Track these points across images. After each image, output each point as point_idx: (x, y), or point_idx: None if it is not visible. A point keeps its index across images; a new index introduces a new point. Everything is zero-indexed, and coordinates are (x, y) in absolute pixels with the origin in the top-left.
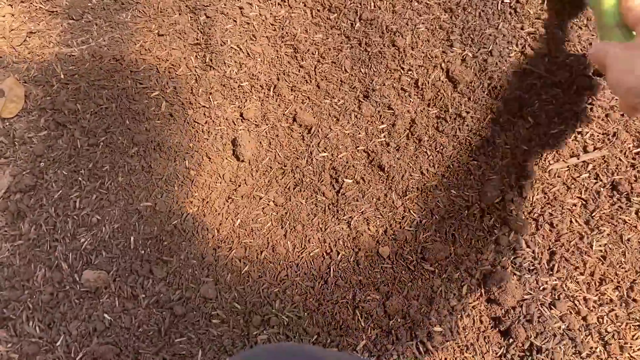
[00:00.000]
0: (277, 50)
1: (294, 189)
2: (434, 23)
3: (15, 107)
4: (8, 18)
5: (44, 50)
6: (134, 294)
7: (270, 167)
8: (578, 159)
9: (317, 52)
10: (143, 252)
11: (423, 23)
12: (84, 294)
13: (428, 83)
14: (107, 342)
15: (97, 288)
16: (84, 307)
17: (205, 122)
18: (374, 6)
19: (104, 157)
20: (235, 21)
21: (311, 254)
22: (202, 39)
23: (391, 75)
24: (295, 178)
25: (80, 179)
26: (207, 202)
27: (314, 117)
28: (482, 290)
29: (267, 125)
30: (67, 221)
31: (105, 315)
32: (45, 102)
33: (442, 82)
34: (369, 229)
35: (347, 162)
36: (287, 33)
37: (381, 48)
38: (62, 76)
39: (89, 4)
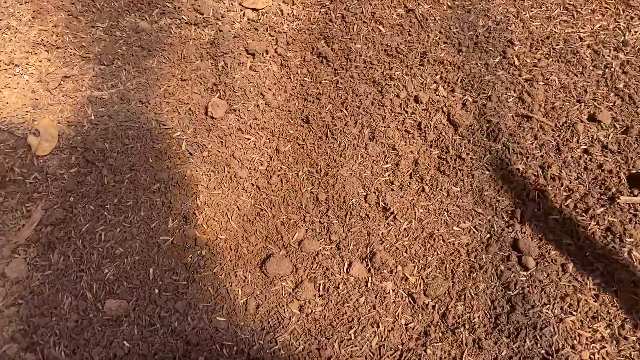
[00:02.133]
0: (286, 100)
1: (305, 234)
2: (438, 70)
3: (49, 145)
4: (45, 63)
5: (77, 93)
6: (151, 322)
7: (277, 199)
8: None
9: (323, 96)
10: (161, 283)
11: (427, 71)
12: (106, 322)
13: (430, 125)
14: None
15: (118, 316)
16: (106, 334)
17: (219, 164)
18: (376, 59)
19: (129, 192)
20: (252, 69)
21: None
22: (221, 84)
23: (395, 118)
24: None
25: (106, 213)
26: (218, 241)
27: (320, 157)
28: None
29: (272, 171)
30: (93, 253)
31: (125, 343)
32: (77, 141)
33: (444, 124)
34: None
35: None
36: (297, 84)
37: (388, 92)
38: (92, 117)
39: (119, 51)
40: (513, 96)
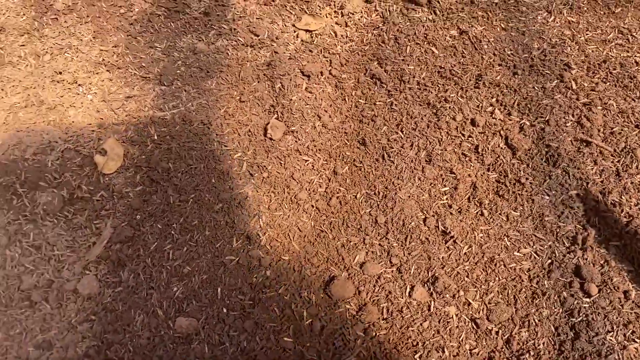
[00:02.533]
0: (342, 122)
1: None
2: (494, 93)
3: (114, 164)
4: (107, 83)
5: (139, 113)
6: (221, 341)
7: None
8: None
9: (380, 120)
10: (228, 302)
11: (483, 93)
12: (177, 340)
13: (488, 149)
14: None
15: (188, 334)
16: (178, 351)
17: (279, 185)
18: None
19: (193, 212)
20: (307, 91)
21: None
22: (278, 106)
23: (452, 141)
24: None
25: (172, 232)
26: (282, 262)
27: (378, 180)
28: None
29: (328, 195)
30: (162, 271)
31: None
32: (141, 161)
33: (502, 148)
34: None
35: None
36: (352, 106)
37: (444, 115)
38: (155, 137)
39: (178, 72)
40: (571, 120)
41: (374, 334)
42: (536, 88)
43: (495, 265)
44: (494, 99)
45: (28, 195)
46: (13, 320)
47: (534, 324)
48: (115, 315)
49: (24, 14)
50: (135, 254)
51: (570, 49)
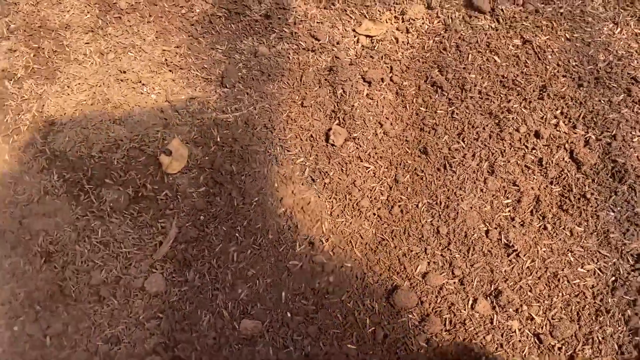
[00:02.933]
0: (403, 130)
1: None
2: (559, 105)
3: (178, 165)
4: (170, 83)
5: (202, 115)
6: (285, 344)
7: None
8: None
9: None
10: (292, 306)
11: (547, 105)
12: (242, 341)
13: (552, 162)
14: None
15: (253, 336)
16: (243, 353)
17: (340, 192)
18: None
19: (257, 215)
20: (369, 97)
21: None
22: (340, 112)
23: (515, 153)
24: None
25: (237, 234)
26: (344, 268)
27: (439, 189)
28: None
29: (390, 200)
30: (227, 273)
31: None
32: (204, 162)
33: (566, 162)
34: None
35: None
36: (413, 113)
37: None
38: (218, 139)
39: (239, 74)
40: (638, 136)
41: (436, 345)
42: (602, 101)
43: (559, 280)
44: (558, 111)
45: (94, 191)
46: (82, 314)
47: (597, 341)
48: (182, 314)
49: (88, 12)
50: (200, 255)
51: (638, 62)
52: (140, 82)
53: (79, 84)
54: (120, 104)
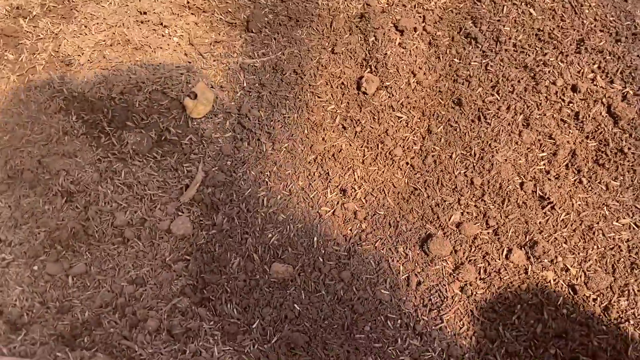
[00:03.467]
0: (437, 80)
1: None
2: (596, 59)
3: (204, 109)
4: (192, 26)
5: (228, 59)
6: (317, 289)
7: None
8: None
9: (481, 80)
10: (324, 251)
11: (585, 59)
12: (273, 284)
13: (589, 116)
14: (298, 329)
15: (284, 279)
16: (274, 296)
17: (372, 141)
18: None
19: (287, 161)
20: (401, 46)
21: None
22: (372, 60)
23: (551, 106)
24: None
25: (266, 180)
26: (377, 216)
27: (473, 141)
28: None
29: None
30: (257, 217)
31: (295, 306)
32: (231, 107)
33: (603, 116)
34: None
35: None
36: (446, 64)
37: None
38: (245, 84)
39: (266, 19)
40: None
41: (470, 292)
42: None
43: (594, 233)
44: (595, 66)
45: (115, 134)
46: (106, 255)
47: (633, 293)
48: (211, 257)
49: None
50: (228, 199)
51: None
52: (161, 24)
53: (97, 23)
54: (142, 46)
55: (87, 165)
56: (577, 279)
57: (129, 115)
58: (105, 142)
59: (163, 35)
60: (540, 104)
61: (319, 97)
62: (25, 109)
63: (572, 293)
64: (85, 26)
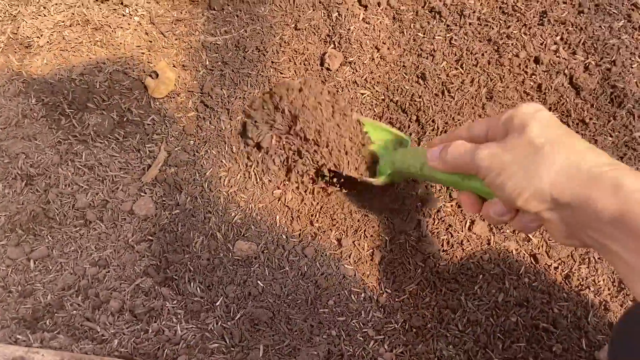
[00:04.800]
0: (400, 55)
1: None
2: (559, 31)
3: (165, 88)
4: (154, 5)
5: (190, 37)
6: (281, 265)
7: None
8: None
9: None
10: (286, 229)
11: (547, 31)
12: (237, 262)
13: (551, 88)
14: (262, 306)
15: (247, 257)
16: (238, 273)
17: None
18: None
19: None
20: (365, 21)
21: None
22: (335, 35)
23: (514, 79)
24: None
25: (226, 160)
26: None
27: (437, 115)
28: None
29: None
30: (219, 197)
31: (259, 282)
32: (193, 86)
33: (565, 87)
34: None
35: None
36: (410, 39)
37: (506, 52)
38: (207, 63)
39: None
40: (638, 62)
41: (433, 264)
42: (603, 27)
43: None
44: (558, 37)
45: (76, 116)
46: (68, 237)
47: (593, 261)
48: (173, 236)
49: None
50: (192, 178)
51: None
52: (122, 3)
53: (56, 4)
54: (102, 26)
55: (47, 148)
56: (538, 248)
57: (90, 96)
58: (65, 124)
59: (124, 15)
60: (504, 76)
61: (281, 74)
62: None
63: (533, 262)
64: (44, 7)
